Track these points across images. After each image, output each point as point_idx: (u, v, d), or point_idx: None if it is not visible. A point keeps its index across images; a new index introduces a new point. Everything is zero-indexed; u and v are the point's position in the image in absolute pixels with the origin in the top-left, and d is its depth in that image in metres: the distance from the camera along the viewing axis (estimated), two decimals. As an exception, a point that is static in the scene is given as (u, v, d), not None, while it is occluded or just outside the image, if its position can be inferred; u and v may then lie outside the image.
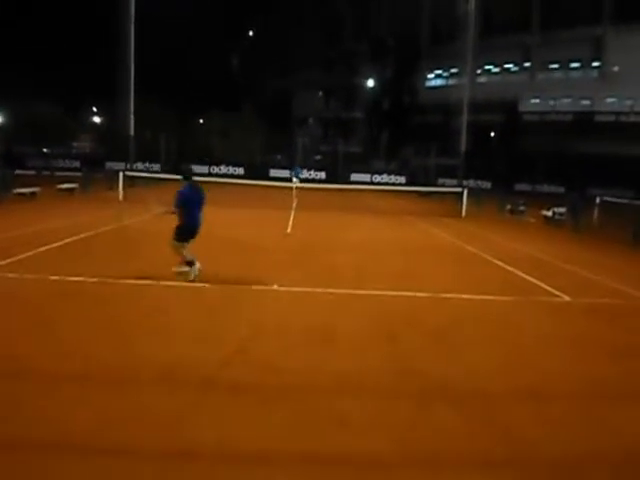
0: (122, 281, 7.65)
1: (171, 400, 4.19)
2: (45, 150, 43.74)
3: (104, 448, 3.51)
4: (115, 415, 3.91)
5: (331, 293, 7.87)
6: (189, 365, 4.87)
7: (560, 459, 3.73)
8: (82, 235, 11.47)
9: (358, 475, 3.38)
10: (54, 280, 7.46)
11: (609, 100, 41.68)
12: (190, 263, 7.74)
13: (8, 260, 8.53)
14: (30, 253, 9.23)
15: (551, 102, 44.21)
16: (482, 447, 3.82)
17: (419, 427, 4.03)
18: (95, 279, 7.60)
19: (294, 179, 29.36)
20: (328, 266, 10.08)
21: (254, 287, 7.90)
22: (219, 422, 3.89)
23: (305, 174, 40.32)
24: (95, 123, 55.05)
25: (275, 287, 7.97)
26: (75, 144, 49.86)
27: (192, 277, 7.76)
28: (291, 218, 17.59)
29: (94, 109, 54.57)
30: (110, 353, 5.07)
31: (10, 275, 7.66)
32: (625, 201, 24.40)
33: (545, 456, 3.75)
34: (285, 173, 39.64)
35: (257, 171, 37.03)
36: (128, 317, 6.25)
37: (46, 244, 10.02)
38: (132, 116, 29.54)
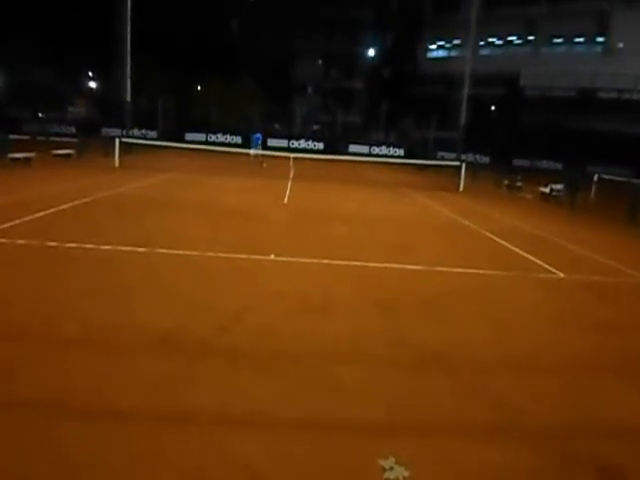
0: (119, 248, 7.66)
1: (168, 365, 4.25)
2: (40, 115, 43.14)
3: (102, 410, 3.57)
4: (112, 378, 3.97)
5: (327, 264, 7.92)
6: (186, 331, 4.93)
7: (547, 428, 3.82)
8: (78, 201, 11.41)
9: (351, 441, 3.46)
10: (50, 246, 7.46)
11: (612, 77, 41.11)
12: None
13: (3, 225, 8.50)
14: (26, 219, 9.20)
15: (553, 77, 43.64)
16: (473, 415, 3.91)
17: (411, 395, 4.11)
18: (91, 245, 7.61)
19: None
20: (325, 237, 10.11)
21: (252, 257, 7.93)
22: (215, 387, 3.96)
23: (303, 144, 40.10)
24: (91, 88, 54.20)
25: (272, 257, 8.00)
26: (71, 109, 49.10)
27: None
28: (288, 188, 17.52)
29: (90, 74, 53.65)
30: (106, 318, 5.11)
31: (5, 241, 7.65)
32: (623, 179, 24.35)
33: (533, 426, 3.85)
34: (284, 143, 39.45)
35: (255, 140, 36.65)
36: (124, 284, 6.27)
37: (42, 210, 9.98)
38: (129, 80, 28.93)
